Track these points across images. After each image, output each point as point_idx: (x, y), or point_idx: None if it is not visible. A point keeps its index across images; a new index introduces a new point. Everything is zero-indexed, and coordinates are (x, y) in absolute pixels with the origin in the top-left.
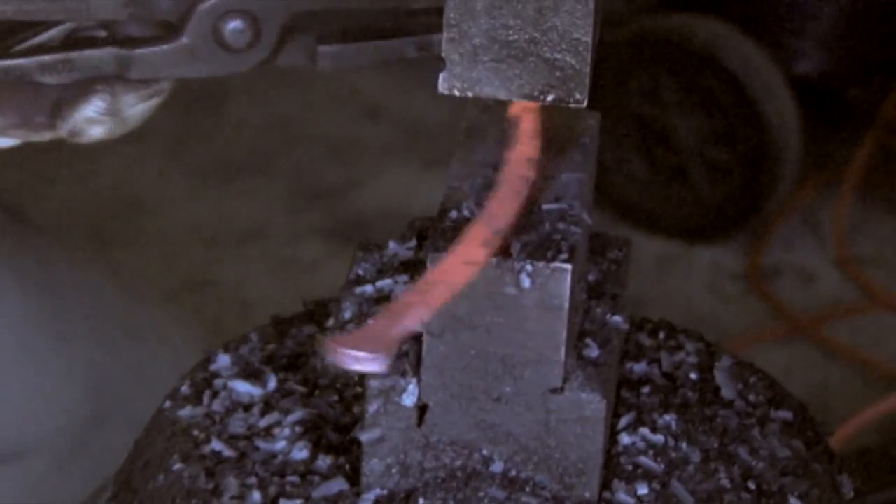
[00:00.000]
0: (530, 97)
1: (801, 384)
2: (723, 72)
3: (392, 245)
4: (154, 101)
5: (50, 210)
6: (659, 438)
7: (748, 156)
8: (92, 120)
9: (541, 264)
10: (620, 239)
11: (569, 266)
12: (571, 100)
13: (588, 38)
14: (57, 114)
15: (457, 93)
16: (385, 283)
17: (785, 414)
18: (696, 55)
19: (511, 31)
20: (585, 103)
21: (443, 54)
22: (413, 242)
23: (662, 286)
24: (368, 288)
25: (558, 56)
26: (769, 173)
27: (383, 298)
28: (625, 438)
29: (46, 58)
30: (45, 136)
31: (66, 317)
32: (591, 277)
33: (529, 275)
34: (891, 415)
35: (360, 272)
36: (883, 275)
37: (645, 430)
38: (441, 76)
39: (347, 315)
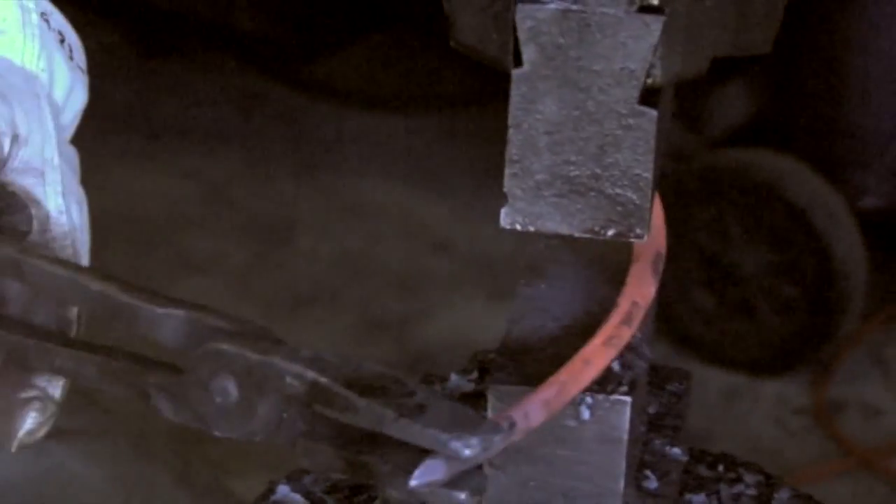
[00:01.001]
0: (591, 232)
1: None
2: (788, 206)
3: (454, 377)
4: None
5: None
6: None
7: (814, 290)
8: (33, 431)
9: (601, 397)
10: (681, 372)
11: (629, 398)
12: (632, 234)
13: (649, 175)
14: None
15: (518, 227)
16: None
17: None
18: (762, 189)
19: (573, 167)
20: (646, 238)
21: (504, 189)
22: (475, 374)
23: (727, 419)
24: None
25: (619, 192)
26: (835, 307)
27: None
28: None
29: None
30: None
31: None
32: (651, 410)
33: (590, 407)
34: None
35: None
36: None
37: None
38: (503, 211)
39: None
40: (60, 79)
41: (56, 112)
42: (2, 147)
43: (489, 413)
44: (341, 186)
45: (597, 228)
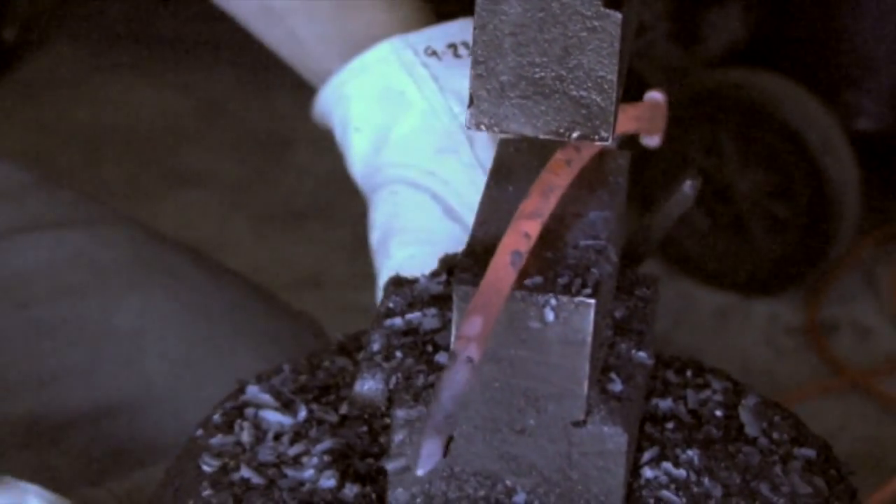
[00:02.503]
0: (556, 134)
1: (856, 438)
2: (783, 127)
3: (422, 279)
4: None
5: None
6: (681, 473)
7: (807, 210)
8: None
9: (565, 298)
10: (649, 277)
11: (592, 301)
12: (597, 137)
13: (613, 77)
14: None
15: (483, 128)
16: (414, 315)
17: (808, 452)
18: (757, 110)
19: (538, 69)
20: (611, 140)
21: (470, 90)
22: (443, 277)
23: (719, 338)
24: (397, 321)
25: (584, 93)
26: (827, 228)
27: (411, 331)
28: (647, 472)
29: None
30: None
31: (222, 335)
32: (617, 314)
33: (553, 309)
34: None
35: (391, 305)
36: None
37: (668, 465)
38: (468, 112)
39: (376, 347)
40: None
41: None
42: None
43: (454, 314)
44: None
45: (561, 130)
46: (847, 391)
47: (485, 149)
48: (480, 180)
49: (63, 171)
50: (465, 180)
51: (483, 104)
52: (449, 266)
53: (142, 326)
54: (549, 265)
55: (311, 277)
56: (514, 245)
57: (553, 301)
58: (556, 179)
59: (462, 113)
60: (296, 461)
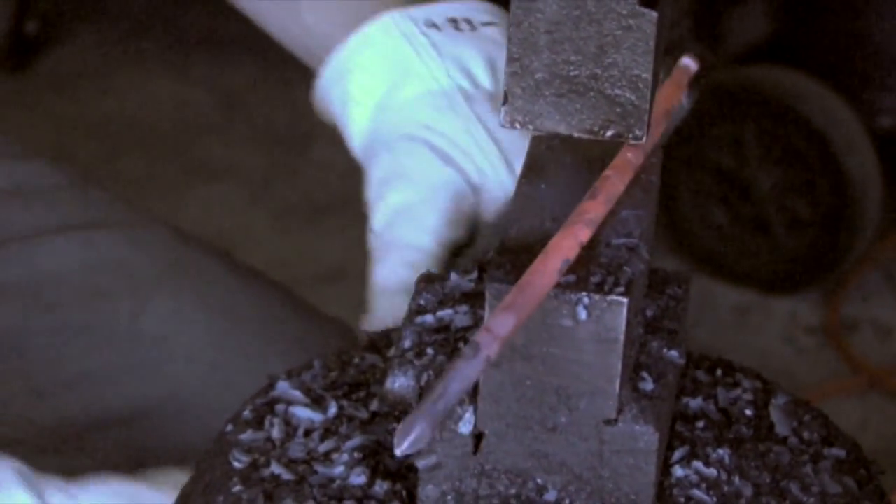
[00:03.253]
0: (590, 132)
1: (876, 437)
2: (805, 125)
3: (454, 277)
4: None
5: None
6: (712, 472)
7: (828, 209)
8: None
9: (597, 297)
10: (680, 275)
11: (625, 299)
12: (631, 135)
13: (648, 75)
14: None
15: (518, 126)
16: (445, 313)
17: (838, 452)
18: (779, 107)
19: (572, 67)
20: (645, 139)
21: (504, 88)
22: (475, 275)
23: (739, 336)
24: (429, 318)
25: (619, 92)
26: (849, 227)
27: (443, 328)
28: (678, 471)
29: None
30: None
31: (250, 338)
32: (648, 313)
33: (586, 307)
34: None
35: (422, 302)
36: None
37: (698, 464)
38: (503, 109)
39: (407, 344)
40: None
41: None
42: None
43: (487, 312)
44: None
45: (595, 129)
46: (866, 390)
47: (483, 105)
48: (478, 131)
49: (84, 164)
50: (462, 130)
51: (518, 101)
52: (480, 263)
53: (171, 331)
54: (582, 263)
55: (333, 271)
56: (567, 253)
57: (586, 299)
58: (620, 186)
59: (461, 78)
60: (326, 457)
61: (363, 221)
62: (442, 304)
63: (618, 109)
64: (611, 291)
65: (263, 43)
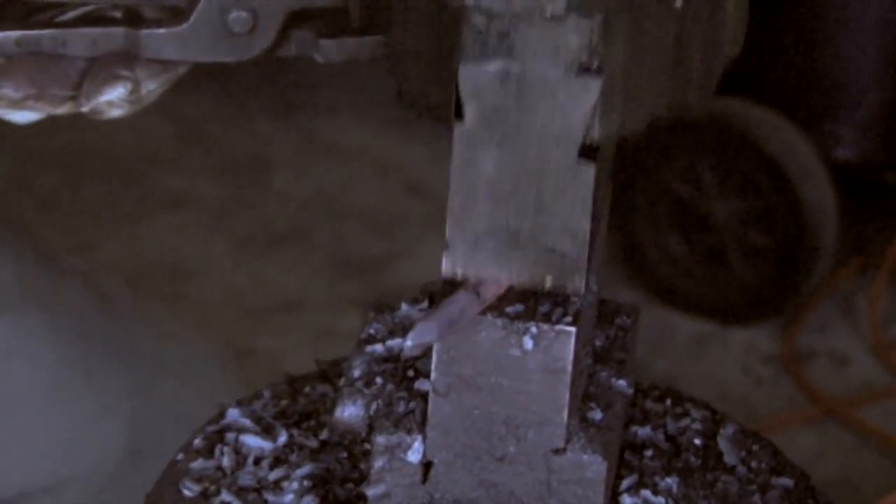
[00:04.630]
0: (529, 282)
1: (833, 467)
2: (761, 155)
3: (404, 306)
4: (168, 82)
5: (90, 274)
6: (660, 501)
7: (785, 239)
8: (113, 104)
9: (545, 326)
10: (629, 306)
11: (573, 329)
12: (570, 286)
13: (587, 227)
14: (80, 92)
15: (458, 275)
16: (395, 342)
17: (786, 482)
18: (736, 139)
19: (512, 221)
20: (583, 290)
21: (447, 238)
22: (425, 304)
23: (696, 366)
24: (378, 347)
25: (558, 245)
26: (806, 257)
27: (392, 358)
28: (626, 500)
29: (59, 31)
30: (64, 109)
31: (97, 356)
32: (597, 343)
33: (534, 337)
34: None
35: (372, 332)
36: None
37: (646, 493)
38: (444, 259)
39: (357, 374)
40: None
41: None
42: None
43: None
44: (317, 127)
45: (535, 279)
46: (823, 420)
47: None
48: None
49: (42, 192)
50: None
51: (458, 251)
52: (430, 293)
53: (12, 347)
54: (529, 294)
55: (290, 302)
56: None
57: (534, 329)
58: None
59: None
60: (276, 486)
61: (320, 251)
62: (392, 333)
63: (557, 261)
64: (559, 321)
65: (221, 72)
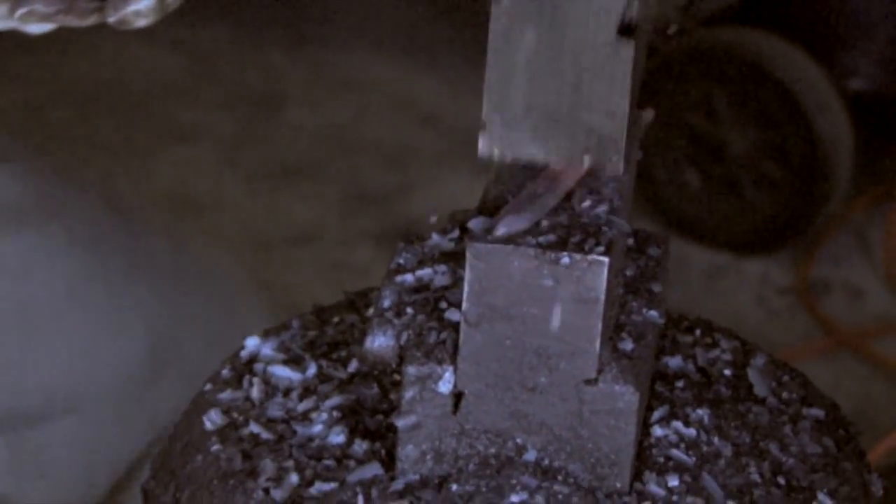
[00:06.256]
0: (567, 160)
1: (846, 398)
2: (776, 86)
3: (434, 236)
4: None
5: (110, 193)
6: (691, 432)
7: (800, 170)
8: (140, 13)
9: (578, 256)
10: (660, 236)
11: (606, 259)
12: (608, 163)
13: (625, 106)
14: (107, 2)
15: (496, 154)
16: (425, 272)
17: (817, 412)
18: (750, 69)
19: (551, 98)
20: (622, 167)
21: (483, 117)
22: (455, 233)
23: (711, 297)
24: (408, 277)
25: (596, 121)
26: (820, 188)
27: (422, 287)
28: (657, 431)
29: None
30: (91, 20)
31: (117, 269)
32: (628, 273)
33: (566, 266)
34: None
35: (402, 262)
36: None
37: (678, 424)
38: (481, 138)
39: (387, 304)
40: None
41: None
42: None
43: (466, 271)
44: (330, 59)
45: (573, 156)
46: (838, 351)
47: None
48: None
49: (55, 126)
50: None
51: (496, 130)
52: (460, 222)
53: (34, 261)
54: (562, 226)
55: (303, 234)
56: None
57: (566, 259)
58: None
59: None
60: (305, 417)
61: (334, 184)
62: (421, 263)
63: (595, 138)
64: (591, 251)
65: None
